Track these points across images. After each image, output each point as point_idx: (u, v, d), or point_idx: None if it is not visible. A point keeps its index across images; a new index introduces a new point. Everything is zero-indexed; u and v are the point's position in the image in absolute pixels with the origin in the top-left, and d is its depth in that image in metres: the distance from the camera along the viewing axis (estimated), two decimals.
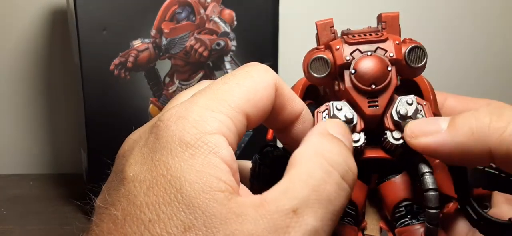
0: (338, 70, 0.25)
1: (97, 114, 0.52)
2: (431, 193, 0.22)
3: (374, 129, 0.25)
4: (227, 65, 0.54)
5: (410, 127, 0.24)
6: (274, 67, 0.56)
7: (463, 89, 0.74)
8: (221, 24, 0.53)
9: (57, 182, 0.66)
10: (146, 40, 0.51)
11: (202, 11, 0.52)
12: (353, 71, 0.24)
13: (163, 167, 0.20)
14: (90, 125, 0.52)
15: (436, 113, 0.26)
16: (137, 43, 0.51)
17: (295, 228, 0.19)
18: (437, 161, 0.25)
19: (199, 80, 0.54)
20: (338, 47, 0.25)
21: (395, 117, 0.24)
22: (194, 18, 0.52)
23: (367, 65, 0.24)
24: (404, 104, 0.24)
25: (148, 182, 0.20)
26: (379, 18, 0.27)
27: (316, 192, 0.20)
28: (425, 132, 0.23)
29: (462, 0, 0.71)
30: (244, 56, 0.55)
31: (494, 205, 0.29)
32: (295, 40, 0.68)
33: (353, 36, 0.25)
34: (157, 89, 0.53)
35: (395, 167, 0.25)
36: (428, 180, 0.22)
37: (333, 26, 0.26)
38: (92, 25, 0.49)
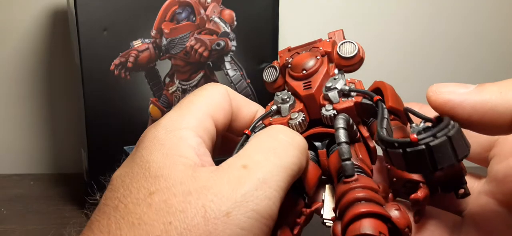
0: (282, 70, 0.30)
1: (98, 114, 0.52)
2: (347, 162, 0.23)
3: (320, 117, 0.28)
4: (227, 65, 0.54)
5: (435, 85, 0.23)
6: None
7: None
8: (221, 24, 0.53)
9: (58, 181, 0.66)
10: (147, 40, 0.52)
11: (202, 11, 0.52)
12: (289, 65, 0.30)
13: (138, 159, 0.24)
14: (91, 125, 0.52)
15: (393, 106, 0.26)
16: (137, 43, 0.51)
17: (244, 178, 0.21)
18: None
19: (199, 80, 0.54)
20: (281, 55, 0.31)
21: (324, 91, 0.28)
22: (194, 18, 0.52)
23: (299, 58, 0.29)
24: (331, 80, 0.28)
25: (126, 173, 0.24)
26: (328, 35, 0.32)
27: (264, 152, 0.23)
28: (450, 90, 0.23)
29: (459, 2, 0.71)
30: (244, 56, 0.55)
31: (502, 160, 0.27)
32: (295, 40, 0.69)
33: (295, 47, 0.31)
34: (157, 89, 0.53)
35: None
36: (344, 149, 0.23)
37: (290, 50, 0.31)
38: (92, 25, 0.49)
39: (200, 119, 0.26)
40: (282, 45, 0.57)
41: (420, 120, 0.25)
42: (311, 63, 0.28)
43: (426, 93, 0.24)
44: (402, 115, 0.27)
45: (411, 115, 0.26)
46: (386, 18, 0.70)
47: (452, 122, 0.22)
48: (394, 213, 0.23)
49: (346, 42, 0.29)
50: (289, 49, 0.31)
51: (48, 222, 0.55)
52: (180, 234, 0.20)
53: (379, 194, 0.23)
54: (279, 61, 0.31)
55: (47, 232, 0.53)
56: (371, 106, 0.26)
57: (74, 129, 0.68)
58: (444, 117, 0.23)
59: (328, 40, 0.30)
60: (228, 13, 0.53)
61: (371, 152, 0.27)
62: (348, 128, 0.25)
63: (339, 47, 0.29)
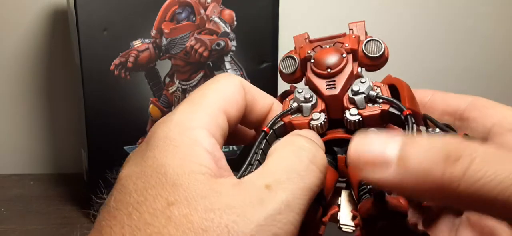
0: (303, 63, 0.29)
1: (98, 114, 0.52)
2: None
3: (341, 118, 0.27)
4: (227, 65, 0.54)
5: (355, 149, 0.21)
6: (274, 68, 0.56)
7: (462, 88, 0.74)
8: (221, 24, 0.53)
9: (58, 181, 0.66)
10: (147, 40, 0.52)
11: (202, 11, 0.52)
12: (312, 60, 0.28)
13: (150, 160, 0.23)
14: (91, 125, 0.52)
15: (412, 108, 0.25)
16: (137, 43, 0.51)
17: (268, 200, 0.21)
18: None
19: (199, 80, 0.54)
20: (302, 46, 0.29)
21: (350, 95, 0.26)
22: (194, 19, 0.52)
23: (323, 53, 0.28)
24: (358, 82, 0.27)
25: (137, 174, 0.23)
26: (348, 26, 0.30)
27: (287, 172, 0.22)
28: (370, 162, 0.21)
29: (460, 3, 0.71)
30: (244, 56, 0.55)
31: (497, 135, 0.26)
32: None
33: (317, 39, 0.29)
34: (157, 89, 0.53)
35: None
36: None
37: (308, 38, 0.30)
38: (92, 25, 0.49)
39: (213, 115, 0.25)
40: (282, 45, 0.57)
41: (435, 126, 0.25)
42: (336, 60, 0.27)
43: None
44: (419, 118, 0.26)
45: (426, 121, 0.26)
46: (387, 17, 0.70)
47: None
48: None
49: (372, 40, 0.28)
50: (310, 40, 0.29)
51: (48, 222, 0.55)
52: None
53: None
54: (297, 50, 0.30)
55: (47, 232, 0.53)
56: (398, 116, 0.26)
57: (74, 129, 0.68)
58: (467, 134, 0.23)
59: (351, 34, 0.29)
60: (228, 13, 0.53)
61: None
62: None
63: (365, 45, 0.28)
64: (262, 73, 0.56)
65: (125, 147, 0.54)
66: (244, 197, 0.21)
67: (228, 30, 0.54)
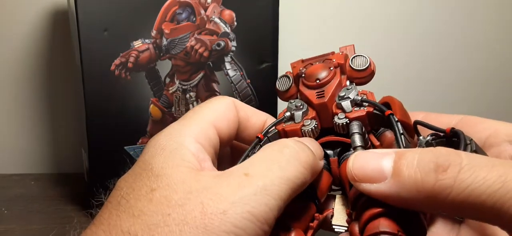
0: (296, 80, 0.32)
1: (98, 114, 0.52)
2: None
3: (331, 126, 0.29)
4: (227, 66, 0.55)
5: (353, 167, 0.23)
6: (274, 68, 0.56)
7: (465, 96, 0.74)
8: (221, 24, 0.53)
9: (58, 181, 0.66)
10: (147, 40, 0.52)
11: (202, 11, 0.53)
12: (303, 75, 0.31)
13: (140, 163, 0.25)
14: (91, 125, 0.52)
15: (402, 119, 0.27)
16: (137, 44, 0.51)
17: (244, 184, 0.22)
18: None
19: (199, 80, 0.55)
20: (295, 66, 0.32)
21: (337, 101, 0.29)
22: (194, 19, 0.52)
23: (313, 68, 0.30)
24: (344, 90, 0.29)
25: (128, 175, 0.25)
26: (339, 49, 0.33)
27: (267, 163, 0.24)
28: (368, 177, 0.22)
29: (458, 12, 0.71)
30: (244, 56, 0.55)
31: (493, 146, 0.27)
32: (295, 41, 0.69)
33: (308, 58, 0.32)
34: (157, 89, 0.54)
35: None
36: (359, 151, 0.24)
37: (304, 61, 0.33)
38: (93, 25, 0.49)
39: (202, 127, 0.27)
40: (282, 45, 0.57)
41: (428, 132, 0.26)
42: (324, 73, 0.30)
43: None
44: (410, 128, 0.28)
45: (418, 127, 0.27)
46: (387, 18, 0.70)
47: (467, 137, 0.23)
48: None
49: (358, 55, 0.30)
50: (302, 61, 0.33)
51: (49, 222, 0.55)
52: (177, 225, 0.21)
53: None
54: (292, 71, 0.33)
55: (47, 232, 0.53)
56: (382, 117, 0.27)
57: (74, 129, 0.68)
58: (458, 130, 0.24)
59: (340, 52, 0.31)
60: (228, 13, 0.53)
61: None
62: (362, 135, 0.26)
63: (352, 60, 0.30)
64: (262, 73, 0.56)
65: (125, 147, 0.54)
66: (222, 182, 0.23)
67: (228, 30, 0.54)
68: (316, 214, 0.27)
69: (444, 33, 0.72)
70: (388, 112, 0.27)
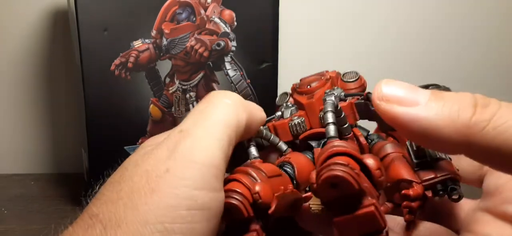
0: (293, 93, 0.33)
1: (98, 114, 0.52)
2: (330, 126, 0.25)
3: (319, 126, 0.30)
4: (227, 66, 0.55)
5: (382, 87, 0.21)
6: (274, 68, 0.56)
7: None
8: (221, 24, 0.53)
9: (58, 181, 0.66)
10: (147, 40, 0.52)
11: (202, 11, 0.53)
12: (297, 85, 0.32)
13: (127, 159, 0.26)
14: (91, 125, 0.52)
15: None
16: (137, 44, 0.51)
17: (182, 139, 0.23)
18: (393, 153, 0.26)
19: (199, 80, 0.55)
20: (293, 84, 0.34)
21: (323, 98, 0.29)
22: (194, 19, 0.52)
23: (306, 79, 0.32)
24: (330, 90, 0.30)
25: (117, 169, 0.26)
26: None
27: (196, 115, 0.24)
28: (400, 99, 0.21)
29: (461, 9, 0.71)
30: (244, 56, 0.55)
31: (493, 172, 0.27)
32: (295, 40, 0.69)
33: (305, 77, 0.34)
34: (157, 89, 0.54)
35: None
36: (330, 128, 0.25)
37: (301, 79, 0.34)
38: (93, 25, 0.49)
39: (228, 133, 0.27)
40: (282, 45, 0.57)
41: None
42: (315, 82, 0.32)
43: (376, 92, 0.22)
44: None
45: None
46: (387, 17, 0.70)
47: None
48: (367, 159, 0.23)
49: (349, 71, 0.32)
50: (301, 80, 0.35)
51: (49, 222, 0.55)
52: (129, 195, 0.22)
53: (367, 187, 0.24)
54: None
55: (47, 232, 0.53)
56: (366, 105, 0.28)
57: (74, 129, 0.68)
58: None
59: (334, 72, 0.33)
60: (228, 13, 0.53)
61: (363, 149, 0.28)
62: (336, 113, 0.26)
63: (343, 74, 0.32)
64: (262, 73, 0.56)
65: (125, 147, 0.54)
66: (162, 147, 0.23)
67: (228, 30, 0.54)
68: (290, 185, 0.26)
69: (447, 32, 0.72)
70: (366, 92, 0.28)
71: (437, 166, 0.26)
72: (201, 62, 0.54)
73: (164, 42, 0.52)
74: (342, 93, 0.30)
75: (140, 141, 0.54)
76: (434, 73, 0.73)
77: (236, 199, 0.23)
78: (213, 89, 0.55)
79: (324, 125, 0.25)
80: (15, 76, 0.66)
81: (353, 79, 0.31)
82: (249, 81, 0.56)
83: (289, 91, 0.34)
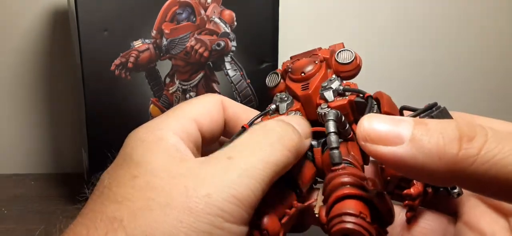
0: (284, 76, 0.32)
1: (98, 114, 0.52)
2: (334, 151, 0.24)
3: (316, 118, 0.29)
4: (227, 66, 0.55)
5: (366, 127, 0.21)
6: (274, 67, 0.56)
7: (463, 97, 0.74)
8: (221, 24, 0.53)
9: (58, 181, 0.66)
10: (147, 40, 0.52)
11: (202, 11, 0.53)
12: (289, 69, 0.31)
13: (121, 155, 0.26)
14: (91, 125, 0.52)
15: (389, 111, 0.27)
16: (137, 44, 0.51)
17: (227, 167, 0.23)
18: None
19: (199, 80, 0.55)
20: (285, 63, 0.33)
21: (320, 91, 0.29)
22: (194, 19, 0.52)
23: (299, 63, 0.31)
24: (327, 81, 0.30)
25: (111, 168, 0.26)
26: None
27: (250, 146, 0.24)
28: (383, 138, 0.20)
29: (456, 14, 0.71)
30: (244, 56, 0.55)
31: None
32: (295, 40, 0.69)
33: (296, 55, 0.33)
34: (157, 89, 0.54)
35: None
36: (332, 138, 0.24)
37: (292, 58, 0.33)
38: (93, 25, 0.49)
39: (182, 122, 0.27)
40: (282, 45, 0.57)
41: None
42: (309, 67, 0.30)
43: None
44: None
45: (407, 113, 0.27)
46: (387, 17, 0.70)
47: (438, 105, 0.24)
48: (376, 199, 0.23)
49: (344, 50, 0.31)
50: (291, 58, 0.33)
51: (49, 222, 0.55)
52: (162, 208, 0.21)
53: (367, 184, 0.24)
54: (281, 68, 0.33)
55: (48, 232, 0.53)
56: (364, 104, 0.28)
57: (74, 129, 0.68)
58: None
59: (327, 49, 0.32)
60: (228, 13, 0.53)
61: (364, 152, 0.28)
62: (338, 122, 0.26)
63: (337, 54, 0.31)
64: (262, 73, 0.56)
65: None
66: (206, 167, 0.23)
67: (228, 30, 0.54)
68: (295, 202, 0.27)
69: (446, 32, 0.72)
70: (367, 94, 0.27)
71: None
72: (201, 62, 0.54)
73: (164, 42, 0.52)
74: (340, 87, 0.29)
75: None
76: (436, 75, 0.73)
77: None
78: (213, 89, 0.55)
79: (326, 133, 0.25)
80: (15, 76, 0.67)
81: (348, 61, 0.30)
82: (249, 81, 0.56)
83: (278, 70, 0.33)
